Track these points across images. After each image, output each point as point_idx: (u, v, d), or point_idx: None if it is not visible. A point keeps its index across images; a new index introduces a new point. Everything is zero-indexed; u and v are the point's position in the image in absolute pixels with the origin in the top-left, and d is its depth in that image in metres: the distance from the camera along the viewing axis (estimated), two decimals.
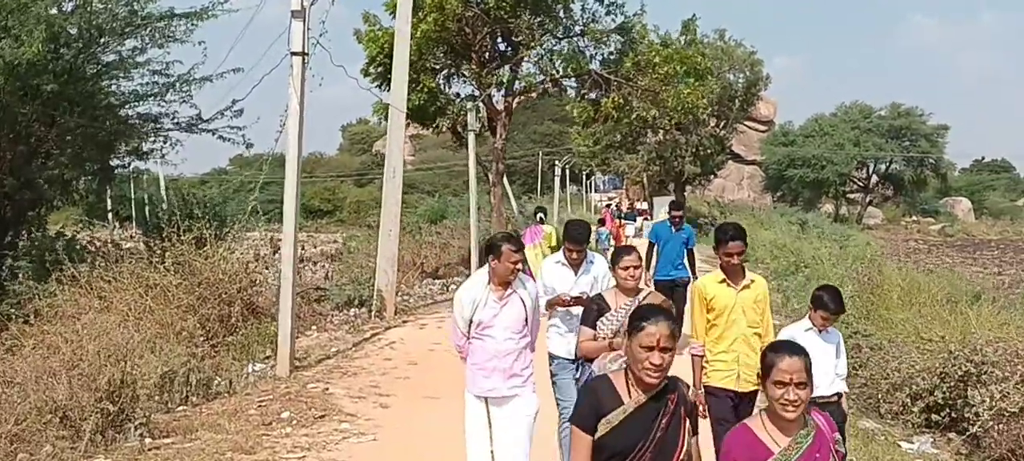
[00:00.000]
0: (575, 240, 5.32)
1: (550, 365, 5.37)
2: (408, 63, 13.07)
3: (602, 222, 23.50)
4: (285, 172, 8.63)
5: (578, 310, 5.07)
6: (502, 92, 17.81)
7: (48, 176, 15.29)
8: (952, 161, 56.45)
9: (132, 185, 28.29)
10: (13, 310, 10.57)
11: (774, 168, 52.12)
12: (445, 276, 17.94)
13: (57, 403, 6.39)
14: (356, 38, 17.87)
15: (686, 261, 9.83)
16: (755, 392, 4.65)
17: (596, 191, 58.42)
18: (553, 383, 5.36)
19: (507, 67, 17.55)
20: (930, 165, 52.28)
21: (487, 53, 17.45)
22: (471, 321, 4.58)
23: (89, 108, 15.05)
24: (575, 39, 17.73)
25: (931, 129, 51.81)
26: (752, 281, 4.87)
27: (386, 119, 14.70)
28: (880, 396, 7.82)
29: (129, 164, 17.86)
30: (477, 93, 17.52)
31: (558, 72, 17.73)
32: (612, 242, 22.38)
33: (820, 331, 4.81)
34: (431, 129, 18.94)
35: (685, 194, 38.10)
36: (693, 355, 4.86)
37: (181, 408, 7.32)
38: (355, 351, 9.85)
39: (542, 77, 17.86)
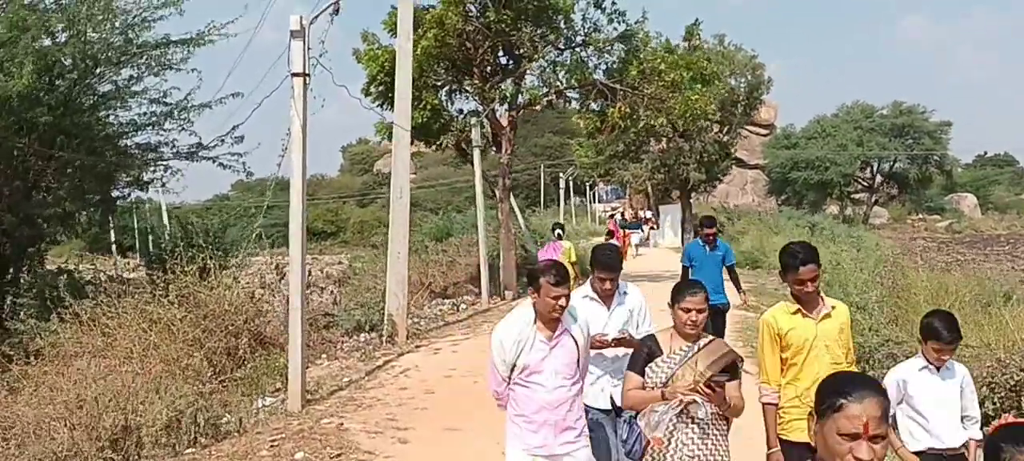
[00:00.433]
0: (606, 267, 4.51)
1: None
2: (411, 80, 12.77)
3: (610, 234, 23.15)
4: (289, 196, 8.29)
5: (614, 353, 4.44)
6: (506, 106, 17.50)
7: (48, 212, 15.00)
8: (956, 157, 56.10)
9: (135, 215, 28.04)
10: (13, 351, 10.24)
11: (778, 171, 51.81)
12: (454, 295, 17.59)
13: (57, 454, 6.04)
14: (355, 58, 17.58)
15: (729, 282, 9.07)
16: None
17: (599, 202, 58.16)
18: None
19: (510, 81, 17.25)
20: (934, 162, 51.92)
21: (489, 67, 17.15)
22: (515, 365, 3.91)
23: (87, 140, 14.79)
24: (578, 50, 17.44)
25: (934, 126, 51.46)
26: (833, 308, 4.08)
27: (389, 138, 14.40)
28: None
29: (129, 194, 17.57)
30: (481, 108, 17.20)
31: (562, 83, 17.43)
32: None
33: (937, 368, 4.07)
34: (435, 147, 18.62)
35: (690, 201, 37.68)
36: (765, 404, 4.13)
37: (189, 451, 6.95)
38: (368, 381, 9.48)
39: (546, 89, 17.55)
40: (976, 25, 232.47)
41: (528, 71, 17.14)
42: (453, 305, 16.44)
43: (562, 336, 3.91)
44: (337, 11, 9.83)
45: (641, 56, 16.82)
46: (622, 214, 42.48)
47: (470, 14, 16.30)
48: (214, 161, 15.92)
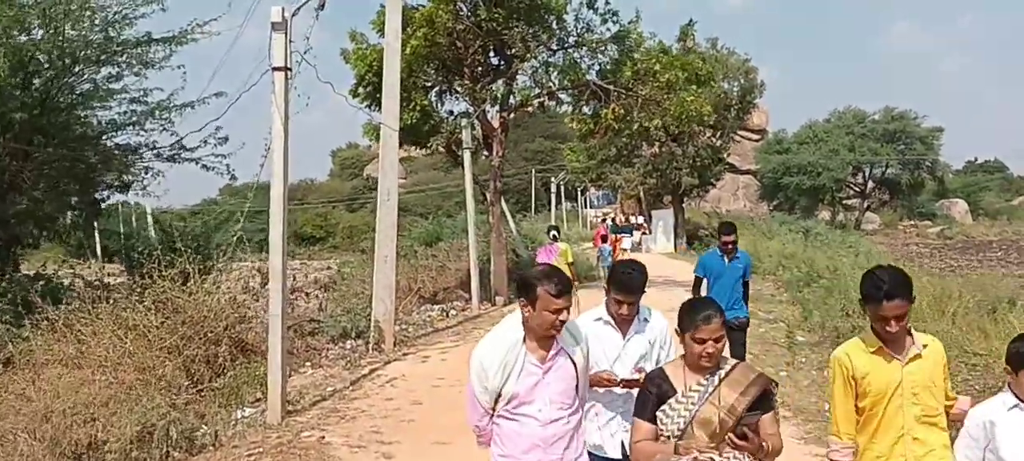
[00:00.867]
0: (626, 288, 3.72)
1: None
2: (399, 79, 12.40)
3: (604, 239, 22.82)
4: (270, 197, 7.88)
5: (626, 391, 3.69)
6: (497, 107, 17.12)
7: (22, 211, 14.55)
8: (948, 163, 56.17)
9: (120, 220, 27.52)
10: None
11: (769, 177, 51.67)
12: (444, 301, 17.21)
13: None
14: (343, 58, 17.18)
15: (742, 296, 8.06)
16: None
17: (591, 207, 57.87)
18: None
19: (501, 81, 16.88)
20: (926, 168, 51.92)
21: (480, 68, 16.77)
22: (500, 394, 3.23)
23: (64, 139, 14.37)
24: (570, 51, 17.09)
25: (925, 132, 51.51)
26: (925, 346, 3.30)
27: (377, 140, 14.00)
28: None
29: (108, 197, 17.14)
30: (471, 109, 16.82)
31: (554, 84, 17.06)
32: (611, 258, 21.70)
33: None
34: (425, 149, 18.22)
35: (683, 206, 37.42)
36: None
37: None
38: (353, 390, 9.07)
39: (538, 90, 17.18)
40: (963, 31, 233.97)
41: (520, 71, 16.78)
42: (442, 311, 16.07)
43: (558, 357, 3.25)
44: (322, 6, 9.45)
45: (635, 57, 16.48)
46: (613, 219, 42.24)
47: (461, 13, 15.92)
48: (197, 163, 15.54)
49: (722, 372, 3.06)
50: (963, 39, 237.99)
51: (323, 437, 7.13)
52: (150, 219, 25.76)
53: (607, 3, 16.57)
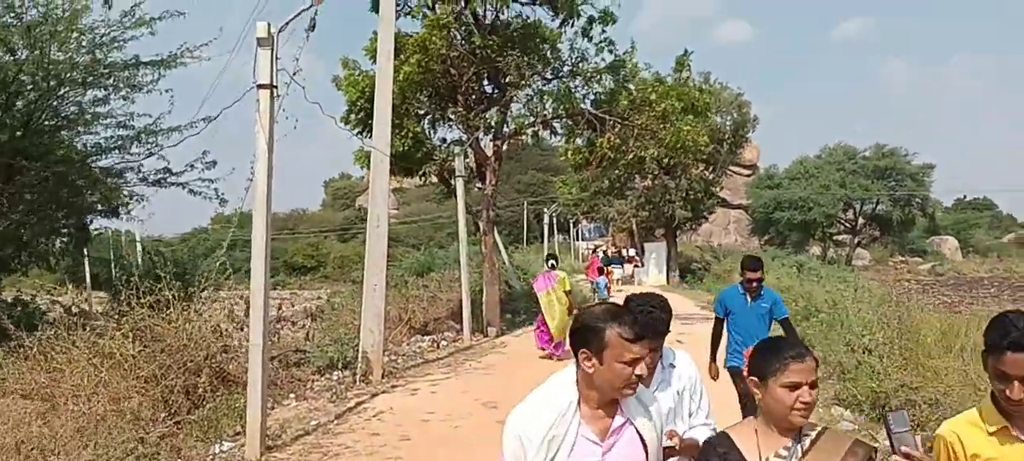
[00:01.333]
0: (648, 331, 2.85)
1: None
2: (391, 104, 12.14)
3: (600, 271, 22.52)
4: (253, 219, 7.55)
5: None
6: (491, 136, 16.88)
7: (2, 234, 14.15)
8: (938, 200, 56.36)
9: (110, 247, 27.06)
10: None
11: (761, 211, 51.66)
12: (435, 331, 16.81)
13: None
14: (335, 84, 16.95)
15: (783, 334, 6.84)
16: None
17: (583, 239, 57.70)
18: None
19: (495, 109, 16.66)
20: (917, 204, 52.02)
21: (474, 95, 16.55)
22: None
23: (48, 163, 14.03)
24: (565, 80, 16.90)
25: (916, 168, 51.69)
26: None
27: (368, 167, 13.71)
28: None
29: (91, 222, 16.75)
30: (465, 137, 16.57)
31: (549, 113, 16.85)
32: (607, 292, 21.41)
33: None
34: (417, 177, 17.93)
35: (676, 239, 37.24)
36: None
37: None
38: (338, 424, 8.67)
39: (532, 118, 16.96)
40: (954, 72, 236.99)
41: (514, 99, 16.56)
42: (433, 341, 15.67)
43: (624, 429, 2.43)
44: (313, 27, 9.19)
45: (631, 86, 16.31)
46: (604, 251, 42.07)
47: (455, 40, 15.73)
48: (184, 187, 15.18)
49: (808, 438, 2.34)
50: (954, 76, 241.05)
51: None
52: (139, 246, 25.33)
53: (603, 32, 16.44)
